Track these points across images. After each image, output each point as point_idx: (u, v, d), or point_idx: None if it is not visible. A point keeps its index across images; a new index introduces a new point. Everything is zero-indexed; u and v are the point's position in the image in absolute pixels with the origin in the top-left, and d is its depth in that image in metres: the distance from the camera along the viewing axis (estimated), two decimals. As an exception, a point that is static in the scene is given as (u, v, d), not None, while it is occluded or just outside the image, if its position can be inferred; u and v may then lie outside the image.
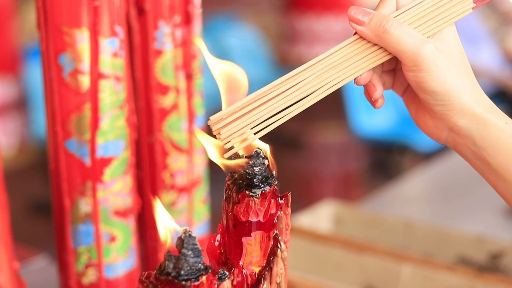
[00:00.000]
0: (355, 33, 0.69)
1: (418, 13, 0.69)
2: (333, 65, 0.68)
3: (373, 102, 0.72)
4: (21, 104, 3.20)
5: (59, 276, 0.91)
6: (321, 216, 1.32)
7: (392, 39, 0.67)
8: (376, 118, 3.43)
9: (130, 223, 0.90)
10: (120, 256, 0.89)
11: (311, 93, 0.67)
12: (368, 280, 1.12)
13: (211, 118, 0.65)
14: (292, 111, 0.67)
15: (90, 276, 0.88)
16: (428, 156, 3.00)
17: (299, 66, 0.68)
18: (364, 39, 0.69)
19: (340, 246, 1.15)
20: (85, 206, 0.86)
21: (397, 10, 0.69)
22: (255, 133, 0.66)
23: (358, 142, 3.63)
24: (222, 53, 3.86)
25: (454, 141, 0.70)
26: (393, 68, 0.74)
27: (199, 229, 1.00)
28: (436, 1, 0.70)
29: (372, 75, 0.70)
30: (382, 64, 0.71)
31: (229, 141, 0.65)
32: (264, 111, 0.66)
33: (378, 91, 0.71)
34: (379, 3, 0.70)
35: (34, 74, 2.94)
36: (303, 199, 2.79)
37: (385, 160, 3.43)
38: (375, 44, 0.69)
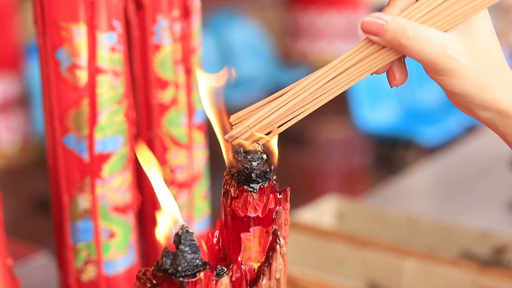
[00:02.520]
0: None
1: (440, 3, 0.65)
2: (348, 68, 0.66)
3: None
4: (23, 101, 3.20)
5: (58, 273, 0.91)
6: (323, 211, 1.32)
7: (409, 51, 0.65)
8: (380, 113, 3.42)
9: (130, 219, 0.89)
10: (120, 253, 0.88)
11: (325, 93, 0.67)
12: (371, 276, 1.12)
13: (231, 139, 0.65)
14: (305, 111, 0.66)
15: (90, 272, 0.88)
16: (432, 151, 3.00)
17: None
18: None
19: (343, 241, 1.14)
20: (83, 202, 0.86)
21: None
22: (267, 133, 0.66)
23: (362, 137, 3.63)
24: (225, 49, 3.86)
25: (480, 122, 0.69)
26: None
27: (200, 225, 0.99)
28: None
29: (392, 63, 0.68)
30: None
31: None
32: (280, 116, 0.66)
33: (398, 80, 0.69)
34: None
35: (36, 71, 2.93)
36: (308, 195, 2.78)
37: (389, 155, 3.42)
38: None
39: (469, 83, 0.65)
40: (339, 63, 0.67)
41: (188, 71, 0.93)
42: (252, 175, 0.61)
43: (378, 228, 1.28)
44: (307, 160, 3.62)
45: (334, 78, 0.66)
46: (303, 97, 0.66)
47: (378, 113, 3.41)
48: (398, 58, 0.68)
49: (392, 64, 0.68)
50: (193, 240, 0.57)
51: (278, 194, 0.63)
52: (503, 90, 0.66)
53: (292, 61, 4.04)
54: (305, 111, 0.66)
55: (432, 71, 0.66)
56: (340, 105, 3.46)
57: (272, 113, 0.65)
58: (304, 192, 2.98)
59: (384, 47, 0.66)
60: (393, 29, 0.64)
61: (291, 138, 3.44)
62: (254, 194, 0.61)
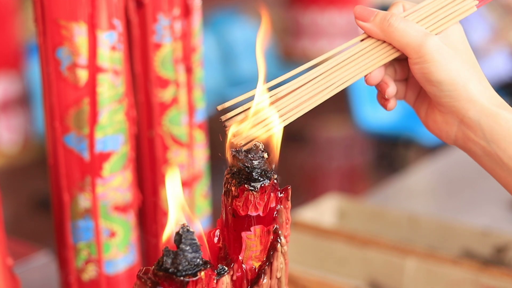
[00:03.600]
0: (364, 33, 0.71)
1: (423, 13, 0.71)
2: (341, 64, 0.69)
3: (385, 103, 0.73)
4: (24, 101, 3.20)
5: (59, 272, 0.90)
6: (324, 210, 1.31)
7: (397, 32, 0.68)
8: (381, 112, 3.42)
9: (130, 219, 0.89)
10: (120, 252, 0.88)
11: (322, 91, 0.68)
12: (372, 274, 1.11)
13: (224, 118, 0.65)
14: (303, 109, 0.67)
15: (90, 272, 0.88)
16: (432, 150, 2.99)
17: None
18: (371, 37, 0.70)
19: (343, 240, 1.14)
20: (84, 201, 0.86)
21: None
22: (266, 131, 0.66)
23: (362, 136, 3.62)
24: (225, 48, 3.86)
25: (464, 136, 0.69)
26: (406, 78, 0.75)
27: (201, 224, 0.99)
28: (440, 1, 0.71)
29: (383, 75, 0.71)
30: (396, 72, 0.73)
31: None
32: (276, 109, 0.66)
33: (391, 87, 0.71)
34: (388, 9, 0.71)
35: (37, 70, 2.93)
36: (308, 194, 2.78)
37: (390, 154, 3.42)
38: (382, 43, 0.70)
39: (455, 70, 0.67)
40: (331, 57, 0.69)
41: (189, 70, 0.93)
42: (253, 173, 0.61)
43: (379, 227, 1.27)
44: (308, 159, 3.61)
45: (332, 72, 0.68)
46: (300, 84, 0.67)
47: (378, 112, 3.40)
48: (388, 75, 0.71)
49: (383, 77, 0.71)
50: (194, 239, 0.57)
51: (279, 192, 0.63)
52: (485, 90, 0.68)
53: (293, 60, 4.04)
54: (305, 108, 0.67)
55: (418, 57, 0.67)
56: (340, 104, 3.45)
57: (272, 97, 0.66)
58: (305, 191, 2.98)
59: (374, 47, 0.69)
60: (383, 14, 0.69)
61: (292, 137, 3.43)
62: (255, 193, 0.61)
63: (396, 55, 0.70)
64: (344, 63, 0.69)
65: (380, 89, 0.72)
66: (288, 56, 4.14)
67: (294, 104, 0.67)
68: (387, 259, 1.10)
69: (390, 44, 0.70)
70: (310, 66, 0.68)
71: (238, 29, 3.98)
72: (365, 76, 0.70)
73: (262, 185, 0.61)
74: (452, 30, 0.70)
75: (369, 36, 0.70)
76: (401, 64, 0.74)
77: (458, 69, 0.67)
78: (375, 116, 3.39)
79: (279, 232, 0.63)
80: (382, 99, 0.73)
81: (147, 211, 0.95)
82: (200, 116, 0.96)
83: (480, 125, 0.67)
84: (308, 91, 0.67)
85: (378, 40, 0.70)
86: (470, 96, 0.67)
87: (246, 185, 0.61)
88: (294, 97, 0.67)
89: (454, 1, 0.71)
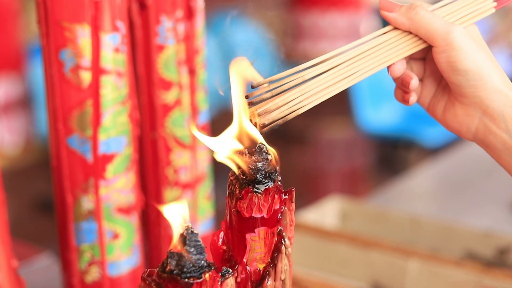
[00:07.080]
0: (388, 25, 0.71)
1: (441, 12, 0.71)
2: (365, 54, 0.69)
3: (406, 97, 0.73)
4: (26, 102, 3.20)
5: (62, 274, 0.90)
6: (326, 212, 1.31)
7: (424, 19, 0.68)
8: (382, 113, 3.42)
9: (133, 220, 0.89)
10: (124, 254, 0.88)
11: (345, 78, 0.68)
12: (375, 276, 1.11)
13: (250, 95, 0.66)
14: (325, 94, 0.68)
15: (94, 274, 0.88)
16: (434, 151, 3.00)
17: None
18: (394, 30, 0.70)
19: (346, 242, 1.14)
20: (87, 203, 0.86)
21: None
22: (285, 116, 0.66)
23: (364, 137, 3.63)
24: (227, 50, 3.86)
25: (485, 129, 0.69)
26: (421, 78, 0.74)
27: (204, 226, 0.99)
28: (459, 1, 0.72)
29: (405, 68, 0.71)
30: (412, 71, 0.73)
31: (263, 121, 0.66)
32: (296, 94, 0.66)
33: (415, 79, 0.71)
34: None
35: (39, 72, 2.94)
36: (310, 195, 2.78)
37: (391, 156, 3.42)
38: (405, 36, 0.70)
39: (481, 60, 0.68)
40: (355, 47, 0.69)
41: (192, 72, 0.93)
42: (257, 175, 0.61)
43: (381, 228, 1.27)
44: (309, 161, 3.61)
45: (355, 61, 0.68)
46: (322, 70, 0.67)
47: (380, 114, 3.41)
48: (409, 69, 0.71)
49: (406, 70, 0.71)
50: (198, 241, 0.57)
51: (283, 194, 0.63)
52: (508, 83, 0.69)
53: (294, 61, 4.04)
54: (325, 95, 0.68)
55: (446, 44, 0.68)
56: (342, 106, 3.46)
57: (295, 80, 0.67)
58: (307, 193, 2.98)
59: (398, 38, 0.69)
60: (408, 4, 0.69)
61: (294, 138, 3.43)
62: (259, 195, 0.61)
63: (419, 47, 0.70)
64: (368, 53, 0.69)
65: (403, 81, 0.72)
66: (289, 57, 4.14)
67: (318, 89, 0.67)
68: (389, 260, 1.10)
69: (414, 35, 0.70)
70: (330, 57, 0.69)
71: (239, 31, 3.99)
72: (388, 68, 0.70)
73: (267, 187, 0.61)
74: (469, 30, 0.70)
75: (391, 30, 0.70)
76: (418, 64, 0.74)
77: (484, 60, 0.68)
78: (376, 118, 3.40)
79: (283, 234, 0.63)
80: (403, 94, 0.73)
81: (150, 212, 0.95)
82: (203, 117, 0.96)
83: (504, 116, 0.67)
84: (331, 77, 0.68)
85: (402, 32, 0.70)
86: (495, 86, 0.67)
87: (250, 187, 0.61)
88: (318, 82, 0.67)
89: (474, 1, 0.72)
